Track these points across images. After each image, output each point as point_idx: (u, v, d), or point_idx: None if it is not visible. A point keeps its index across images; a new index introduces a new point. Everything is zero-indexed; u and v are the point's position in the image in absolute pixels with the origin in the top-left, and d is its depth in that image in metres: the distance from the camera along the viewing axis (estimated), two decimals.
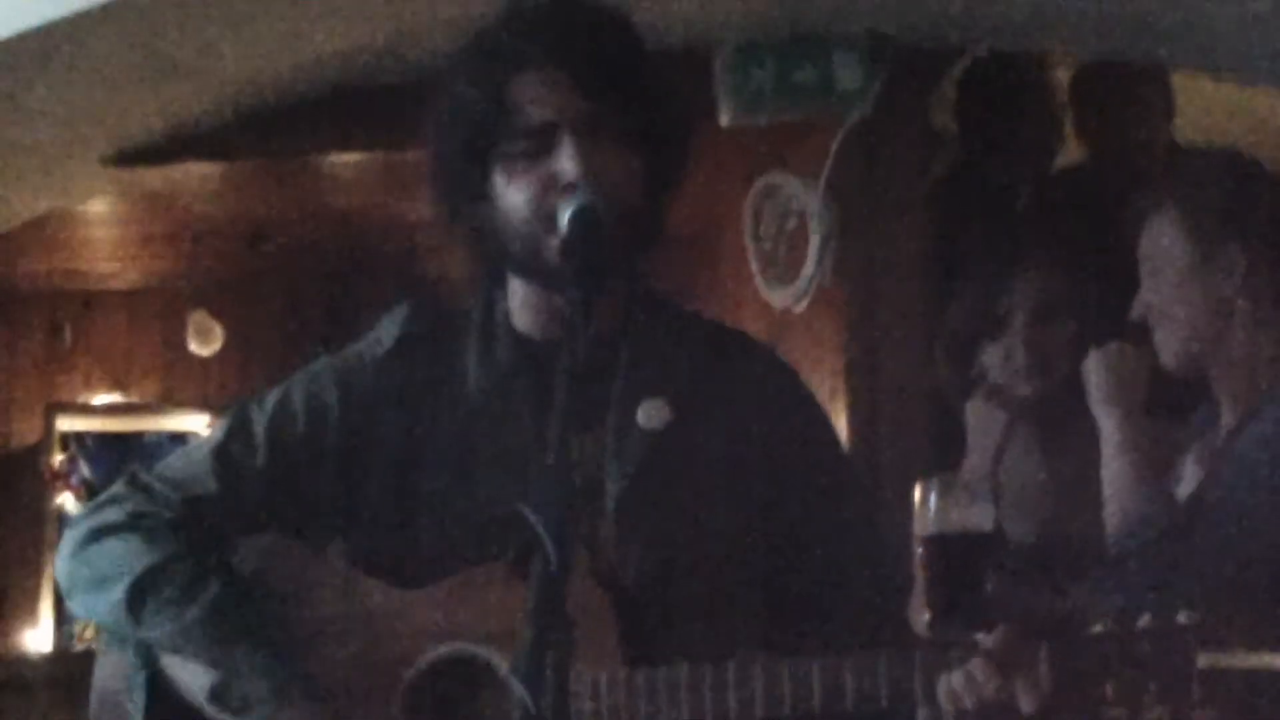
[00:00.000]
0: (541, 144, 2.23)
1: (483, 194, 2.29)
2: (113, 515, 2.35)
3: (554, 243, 2.20)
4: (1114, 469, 3.00)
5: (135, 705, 2.28)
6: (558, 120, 2.23)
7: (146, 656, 2.28)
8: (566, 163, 2.21)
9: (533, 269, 2.28)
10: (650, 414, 2.31)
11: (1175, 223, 2.94)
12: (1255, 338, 2.89)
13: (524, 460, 2.25)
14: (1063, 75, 5.00)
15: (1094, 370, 3.07)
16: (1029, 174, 4.84)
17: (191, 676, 2.24)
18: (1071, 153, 5.03)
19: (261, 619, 2.26)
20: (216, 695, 2.22)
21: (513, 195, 2.25)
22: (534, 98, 2.24)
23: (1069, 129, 4.92)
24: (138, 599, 2.26)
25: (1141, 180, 3.16)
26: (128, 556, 2.29)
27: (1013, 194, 4.83)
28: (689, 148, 2.36)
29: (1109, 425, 3.04)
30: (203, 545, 2.31)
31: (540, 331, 2.35)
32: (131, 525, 2.33)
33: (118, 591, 2.27)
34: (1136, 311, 2.99)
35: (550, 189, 2.22)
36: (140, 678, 2.28)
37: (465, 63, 2.30)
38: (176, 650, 2.25)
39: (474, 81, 2.27)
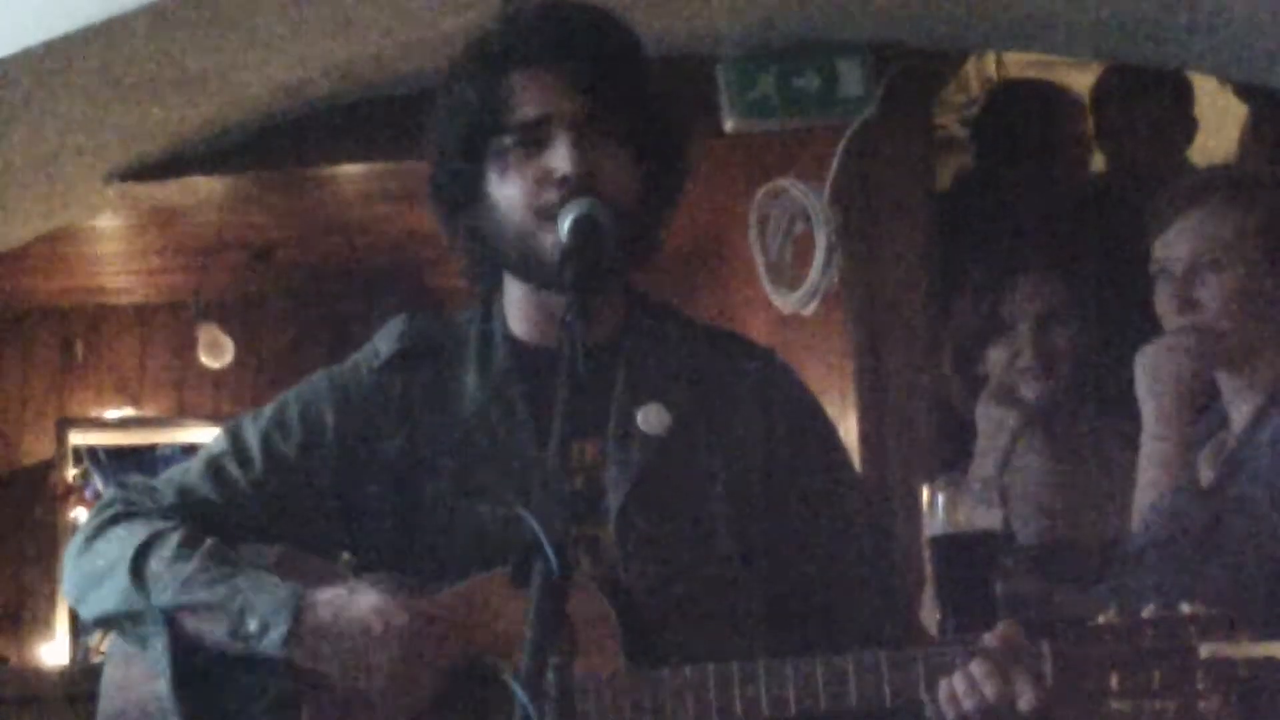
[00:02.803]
0: (536, 140, 2.26)
1: (479, 195, 2.31)
2: (107, 514, 2.36)
3: (551, 241, 2.21)
4: (1148, 462, 2.99)
5: (162, 667, 2.25)
6: (551, 115, 2.25)
7: (164, 622, 2.26)
8: (560, 158, 2.23)
9: (530, 269, 2.29)
10: (650, 419, 2.31)
11: (1182, 234, 2.95)
12: (1253, 341, 2.91)
13: (524, 467, 2.27)
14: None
15: (1140, 362, 3.05)
16: (1044, 189, 4.86)
17: (210, 626, 2.23)
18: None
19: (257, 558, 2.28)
20: (236, 630, 2.21)
21: (508, 190, 2.27)
22: (527, 95, 2.27)
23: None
24: (140, 567, 2.26)
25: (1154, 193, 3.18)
26: (126, 540, 2.30)
27: (1022, 202, 4.85)
28: (687, 156, 2.37)
29: (1146, 417, 3.02)
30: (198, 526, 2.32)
31: (538, 338, 2.36)
32: (127, 515, 2.34)
33: (121, 570, 2.27)
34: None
35: (545, 184, 2.24)
36: (161, 640, 2.25)
37: (461, 65, 2.33)
38: (187, 604, 2.23)
39: (468, 81, 2.30)
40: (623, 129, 2.28)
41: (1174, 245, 2.96)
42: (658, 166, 2.33)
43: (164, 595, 2.25)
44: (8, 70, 4.03)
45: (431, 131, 2.36)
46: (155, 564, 2.26)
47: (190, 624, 2.25)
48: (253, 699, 2.24)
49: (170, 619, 2.25)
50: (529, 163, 2.26)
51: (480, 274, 2.40)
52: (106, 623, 2.37)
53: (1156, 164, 4.69)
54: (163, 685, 2.26)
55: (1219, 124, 5.03)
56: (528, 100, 2.27)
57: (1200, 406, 3.06)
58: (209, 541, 2.28)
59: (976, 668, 2.08)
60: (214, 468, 2.37)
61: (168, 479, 2.40)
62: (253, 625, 2.20)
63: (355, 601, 2.21)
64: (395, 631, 2.18)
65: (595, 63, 2.27)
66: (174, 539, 2.28)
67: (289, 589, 2.22)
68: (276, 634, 2.19)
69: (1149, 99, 4.77)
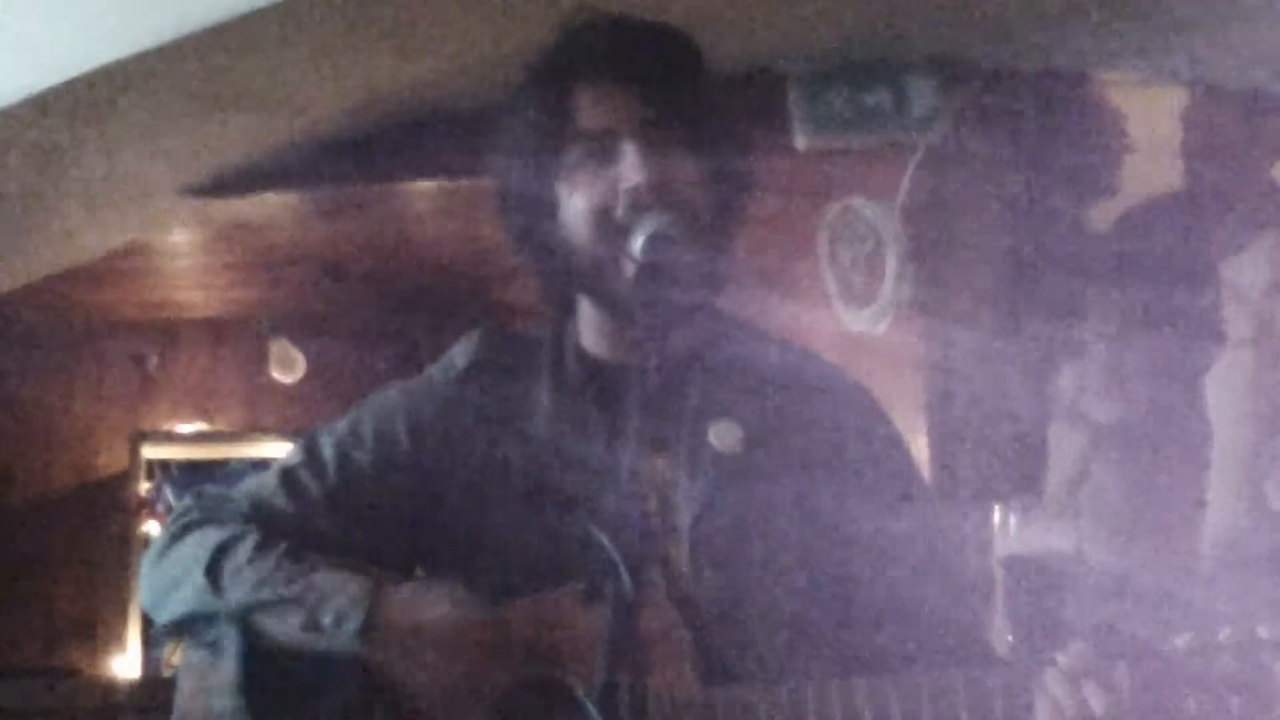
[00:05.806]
0: (604, 153, 2.25)
1: (549, 212, 2.30)
2: (182, 522, 2.38)
3: (624, 263, 2.20)
4: (1217, 483, 2.97)
5: (231, 669, 2.25)
6: (617, 127, 2.24)
7: (239, 621, 2.27)
8: (629, 168, 2.22)
9: (602, 292, 2.29)
10: (723, 436, 2.31)
11: (1260, 256, 2.92)
12: None
13: (597, 483, 2.25)
14: (1118, 97, 4.99)
15: (1210, 383, 3.04)
16: (1086, 196, 4.82)
17: (284, 621, 2.23)
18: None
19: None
20: (311, 622, 2.20)
21: (576, 205, 2.26)
22: (593, 108, 2.26)
23: (1128, 152, 4.90)
24: (216, 568, 2.27)
25: (1236, 210, 3.12)
26: (202, 544, 2.31)
27: (1081, 216, 4.81)
28: (752, 167, 2.36)
29: (1216, 439, 3.01)
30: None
31: (611, 354, 2.36)
32: (203, 521, 2.35)
33: (197, 573, 2.28)
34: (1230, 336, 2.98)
35: (614, 196, 2.23)
36: (233, 640, 2.25)
37: (526, 81, 2.33)
38: (261, 604, 2.24)
39: (533, 97, 2.30)
40: (689, 139, 2.27)
41: (1250, 267, 2.94)
42: (725, 176, 2.31)
43: (239, 594, 2.25)
44: (82, 87, 4.07)
45: (498, 148, 2.36)
46: (231, 566, 2.27)
47: (263, 621, 2.25)
48: (321, 706, 2.25)
49: (244, 619, 2.26)
50: (598, 176, 2.25)
51: (553, 291, 2.40)
52: (180, 627, 2.37)
53: (1240, 182, 4.63)
54: (229, 694, 2.27)
55: None
56: (593, 113, 2.26)
57: (1271, 430, 3.04)
58: (284, 544, 2.28)
59: (1057, 688, 2.06)
60: (288, 479, 2.38)
61: (243, 490, 2.42)
62: (327, 618, 2.20)
63: (431, 603, 2.21)
64: (467, 638, 2.19)
65: (660, 75, 2.27)
66: (250, 542, 2.29)
67: (365, 584, 2.21)
68: (350, 625, 2.18)
69: (1239, 116, 4.72)
